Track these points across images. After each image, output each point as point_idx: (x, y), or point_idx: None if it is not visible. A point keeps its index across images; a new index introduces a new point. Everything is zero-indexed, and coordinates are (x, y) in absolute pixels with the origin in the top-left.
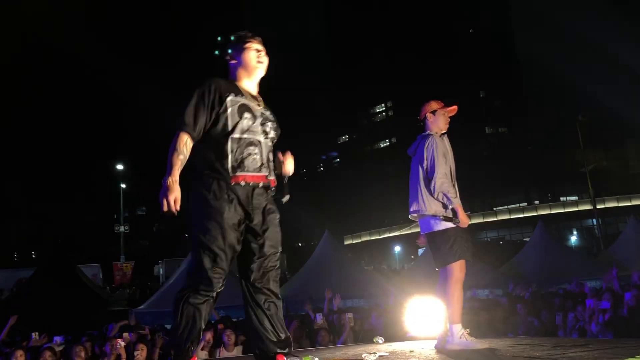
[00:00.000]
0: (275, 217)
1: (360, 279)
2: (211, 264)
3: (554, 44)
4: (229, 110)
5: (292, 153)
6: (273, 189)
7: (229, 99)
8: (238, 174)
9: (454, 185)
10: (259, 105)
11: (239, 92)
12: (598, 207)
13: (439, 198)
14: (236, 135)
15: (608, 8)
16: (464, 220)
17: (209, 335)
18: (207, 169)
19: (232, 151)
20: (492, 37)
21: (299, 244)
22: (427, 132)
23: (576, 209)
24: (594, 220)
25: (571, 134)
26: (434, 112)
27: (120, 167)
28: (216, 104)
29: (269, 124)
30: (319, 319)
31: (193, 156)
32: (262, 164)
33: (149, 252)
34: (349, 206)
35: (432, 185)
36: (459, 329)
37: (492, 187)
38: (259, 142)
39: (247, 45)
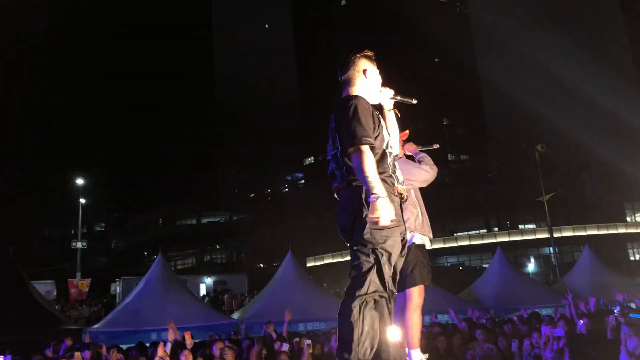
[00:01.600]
0: None
1: (322, 301)
2: (389, 270)
3: (516, 74)
4: (382, 127)
5: (256, 173)
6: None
7: (380, 116)
8: (396, 184)
9: None
10: None
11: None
12: (555, 235)
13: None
14: (389, 150)
15: (569, 42)
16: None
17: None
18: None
19: (390, 165)
20: (455, 66)
21: (261, 265)
22: None
23: (534, 237)
24: (551, 248)
25: (530, 163)
26: None
27: (80, 181)
28: (376, 119)
29: None
30: (285, 347)
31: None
32: (401, 179)
33: (107, 269)
34: (312, 228)
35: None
36: (417, 354)
37: (453, 213)
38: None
39: (377, 69)
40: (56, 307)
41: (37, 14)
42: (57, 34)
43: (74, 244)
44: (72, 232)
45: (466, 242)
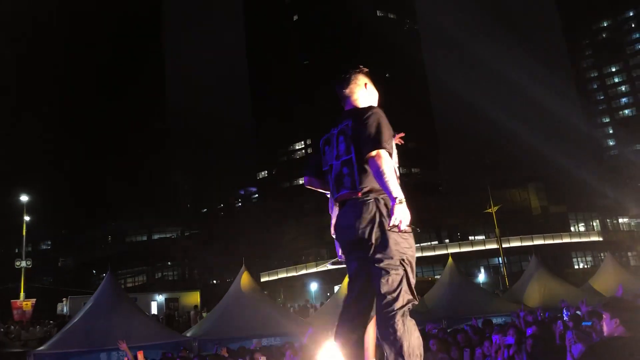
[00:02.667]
0: None
1: (275, 316)
2: (414, 279)
3: (467, 89)
4: (394, 142)
5: (209, 188)
6: None
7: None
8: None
9: None
10: None
11: None
12: (503, 246)
13: None
14: (396, 166)
15: (518, 55)
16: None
17: None
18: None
19: (398, 177)
20: (406, 80)
21: (214, 281)
22: None
23: (483, 248)
24: (500, 258)
25: (479, 176)
26: None
27: (24, 198)
28: (392, 132)
29: None
30: None
31: (369, 176)
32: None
33: (53, 288)
34: (266, 242)
35: None
36: None
37: None
38: None
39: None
40: (1, 329)
41: None
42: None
43: (17, 263)
44: (16, 250)
45: (418, 254)
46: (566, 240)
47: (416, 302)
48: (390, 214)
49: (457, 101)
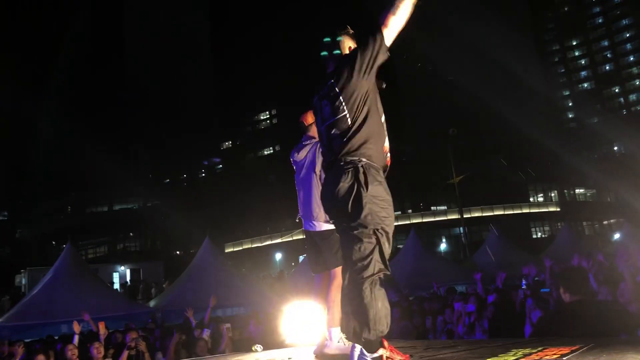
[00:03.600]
0: None
1: (240, 286)
2: (389, 249)
3: (431, 60)
4: (378, 97)
5: (172, 158)
6: None
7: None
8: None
9: None
10: None
11: None
12: (465, 216)
13: None
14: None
15: (488, 28)
16: None
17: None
18: (372, 154)
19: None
20: None
21: (177, 252)
22: (315, 140)
23: (445, 218)
24: (461, 228)
25: (442, 147)
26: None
27: None
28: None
29: None
30: (206, 334)
31: (353, 138)
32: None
33: (10, 260)
34: (230, 213)
35: None
36: (337, 333)
37: None
38: None
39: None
40: None
41: None
42: None
43: None
44: None
45: None
46: (525, 210)
47: (388, 272)
48: (367, 182)
49: (422, 73)
